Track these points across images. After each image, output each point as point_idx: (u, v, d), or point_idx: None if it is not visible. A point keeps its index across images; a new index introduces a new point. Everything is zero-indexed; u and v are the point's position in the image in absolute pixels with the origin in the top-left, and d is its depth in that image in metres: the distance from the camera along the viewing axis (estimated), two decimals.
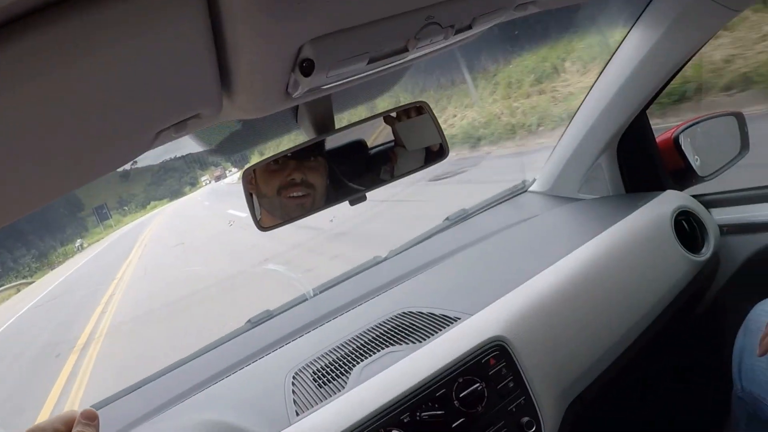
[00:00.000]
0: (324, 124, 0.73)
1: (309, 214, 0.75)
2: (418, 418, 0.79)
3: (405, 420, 0.78)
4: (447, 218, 1.53)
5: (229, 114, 0.54)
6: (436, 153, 0.79)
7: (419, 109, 0.77)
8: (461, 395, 0.81)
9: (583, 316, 0.96)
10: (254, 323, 1.31)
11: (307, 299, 1.36)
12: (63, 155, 0.43)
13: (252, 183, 0.75)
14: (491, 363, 0.84)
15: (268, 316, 1.32)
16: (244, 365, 1.12)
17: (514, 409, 0.83)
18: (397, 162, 0.77)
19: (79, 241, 30.95)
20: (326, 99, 0.71)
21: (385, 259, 1.43)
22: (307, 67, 0.43)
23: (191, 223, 15.67)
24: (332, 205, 0.76)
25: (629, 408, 1.31)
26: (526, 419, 0.83)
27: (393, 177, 0.78)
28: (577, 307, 0.97)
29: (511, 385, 0.84)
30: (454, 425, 0.80)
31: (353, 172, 0.77)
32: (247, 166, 0.76)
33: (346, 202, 0.76)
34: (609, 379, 0.98)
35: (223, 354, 1.23)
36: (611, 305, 1.00)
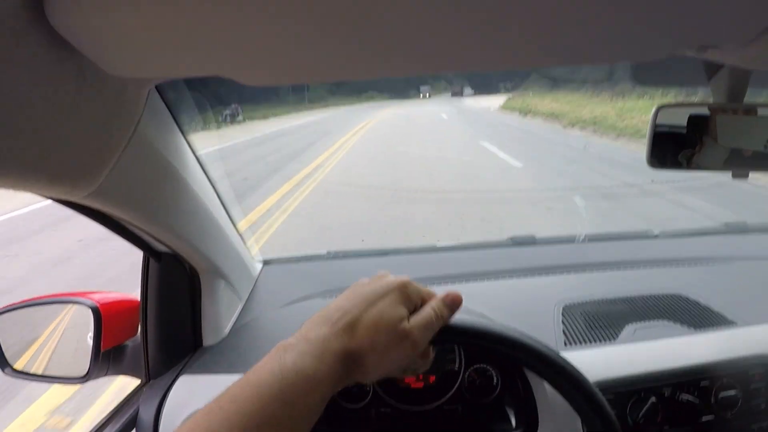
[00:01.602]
0: (736, 94, 0.73)
1: (699, 170, 0.76)
2: (676, 397, 0.80)
3: (665, 394, 0.80)
4: (726, 224, 1.52)
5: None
6: None
7: None
8: (720, 395, 0.81)
9: None
10: (517, 242, 1.36)
11: (575, 242, 1.41)
12: None
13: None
14: (756, 378, 0.84)
15: (532, 240, 1.37)
16: (507, 276, 1.16)
17: (756, 429, 0.84)
18: None
19: None
20: (747, 72, 0.71)
21: (656, 237, 1.45)
22: None
23: None
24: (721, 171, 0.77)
25: None
26: None
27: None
28: None
29: (763, 407, 0.84)
30: (703, 419, 0.81)
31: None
32: (662, 103, 0.77)
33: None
34: None
35: (483, 257, 1.30)
36: None
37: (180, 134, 0.70)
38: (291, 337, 0.48)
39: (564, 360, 0.56)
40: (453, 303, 0.54)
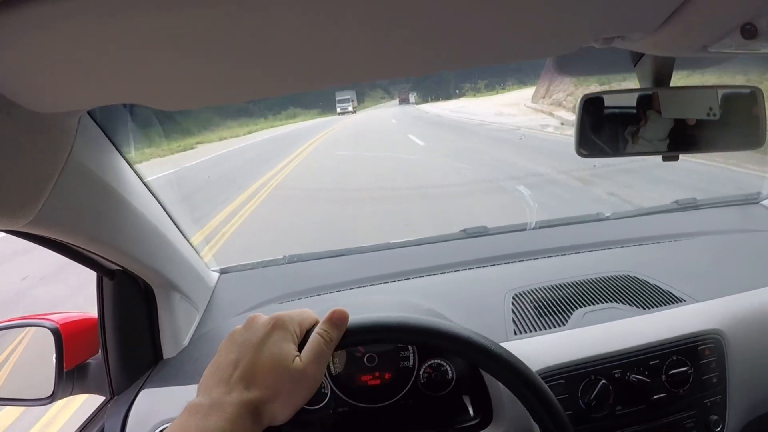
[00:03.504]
0: (662, 78, 0.74)
1: (626, 155, 0.79)
2: (627, 377, 0.82)
3: (616, 375, 0.82)
4: (676, 201, 1.53)
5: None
6: (749, 140, 0.79)
7: (752, 95, 0.78)
8: (671, 372, 0.83)
9: None
10: (470, 234, 1.38)
11: (526, 229, 1.42)
12: None
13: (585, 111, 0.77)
14: (706, 353, 0.86)
15: (484, 231, 1.39)
16: (459, 269, 1.18)
17: (708, 404, 0.86)
18: (711, 135, 0.78)
19: None
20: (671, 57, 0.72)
21: (607, 218, 1.47)
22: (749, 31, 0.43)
23: None
24: (648, 155, 0.79)
25: None
26: (714, 417, 0.85)
27: (703, 149, 0.80)
28: None
29: (714, 380, 0.86)
30: (654, 397, 0.83)
31: (674, 132, 0.78)
32: (587, 94, 0.79)
33: (659, 158, 0.79)
34: None
35: (436, 252, 1.31)
36: None
37: (118, 154, 0.70)
38: (197, 396, 0.48)
39: (485, 339, 0.57)
40: (339, 321, 0.53)
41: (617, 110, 0.85)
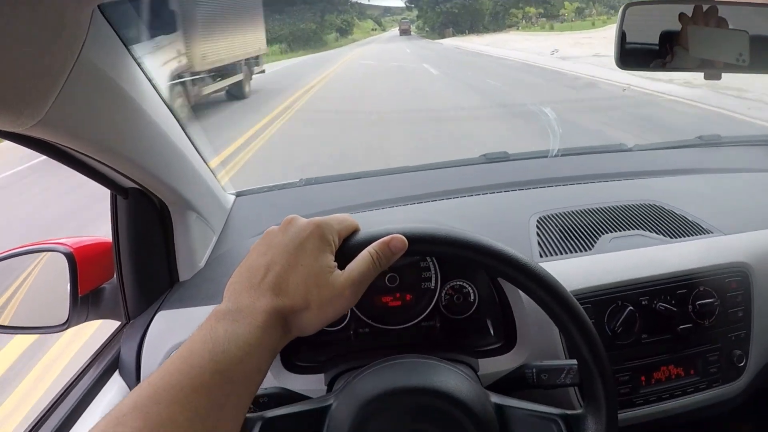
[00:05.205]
0: None
1: (668, 70, 0.77)
2: (654, 305, 0.81)
3: (643, 302, 0.81)
4: (699, 137, 1.50)
5: None
6: None
7: None
8: (698, 303, 0.82)
9: None
10: (490, 159, 1.36)
11: (547, 156, 1.39)
12: None
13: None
14: (732, 286, 0.85)
15: (505, 157, 1.37)
16: (481, 192, 1.16)
17: (733, 338, 0.85)
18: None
19: None
20: None
21: (630, 150, 1.44)
22: None
23: None
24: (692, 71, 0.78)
25: None
26: (738, 352, 0.85)
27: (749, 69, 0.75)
28: None
29: (740, 314, 0.85)
30: (680, 327, 0.82)
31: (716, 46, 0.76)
32: (630, 1, 0.76)
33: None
34: None
35: (457, 175, 1.30)
36: None
37: (131, 59, 0.67)
38: (223, 302, 0.46)
39: (541, 268, 0.54)
40: (397, 249, 0.50)
41: (639, 45, 0.83)
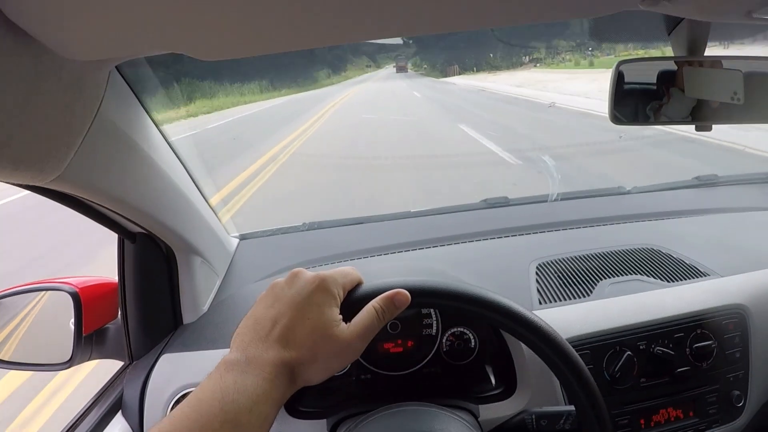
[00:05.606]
0: (696, 47, 0.74)
1: (662, 124, 0.78)
2: (652, 349, 0.82)
3: (641, 346, 0.82)
4: (697, 177, 1.53)
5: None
6: None
7: None
8: (695, 345, 0.83)
9: None
10: (490, 204, 1.38)
11: (547, 200, 1.42)
12: None
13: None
14: (729, 327, 0.86)
15: (505, 202, 1.39)
16: (481, 238, 1.17)
17: (731, 379, 0.86)
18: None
19: None
20: (707, 25, 0.71)
21: (628, 192, 1.47)
22: None
23: None
24: (683, 124, 0.79)
25: None
26: (737, 392, 0.86)
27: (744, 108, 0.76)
28: None
29: (738, 355, 0.86)
30: (678, 370, 0.83)
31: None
32: (623, 59, 0.78)
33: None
34: None
35: (457, 221, 1.31)
36: None
37: (145, 113, 0.69)
38: (231, 352, 0.47)
39: (539, 319, 0.56)
40: (400, 303, 0.51)
41: (637, 86, 0.85)
